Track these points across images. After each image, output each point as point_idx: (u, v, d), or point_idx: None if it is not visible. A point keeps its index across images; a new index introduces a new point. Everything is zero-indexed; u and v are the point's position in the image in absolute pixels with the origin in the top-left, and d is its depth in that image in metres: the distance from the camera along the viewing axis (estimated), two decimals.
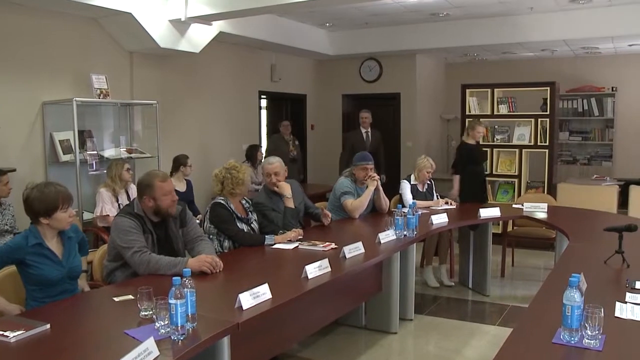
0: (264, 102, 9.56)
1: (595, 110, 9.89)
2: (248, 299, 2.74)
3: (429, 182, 6.09)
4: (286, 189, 4.68)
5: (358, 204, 5.24)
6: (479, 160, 6.91)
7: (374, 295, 4.54)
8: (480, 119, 7.27)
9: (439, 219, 5.12)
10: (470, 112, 8.09)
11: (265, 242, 4.16)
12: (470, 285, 5.94)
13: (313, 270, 3.31)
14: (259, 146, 8.20)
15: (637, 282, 3.01)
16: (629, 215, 6.58)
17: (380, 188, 5.43)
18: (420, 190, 6.00)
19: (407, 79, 9.75)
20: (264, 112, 9.62)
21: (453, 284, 6.00)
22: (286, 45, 8.56)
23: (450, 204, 6.00)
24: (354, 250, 3.85)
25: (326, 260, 3.46)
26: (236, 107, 8.41)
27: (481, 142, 7.13)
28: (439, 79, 10.87)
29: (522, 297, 5.66)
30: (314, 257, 3.54)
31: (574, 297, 2.24)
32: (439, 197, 6.14)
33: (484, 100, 8.08)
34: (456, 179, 6.76)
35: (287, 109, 10.10)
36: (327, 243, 4.09)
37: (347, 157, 7.18)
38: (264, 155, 8.02)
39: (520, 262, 6.89)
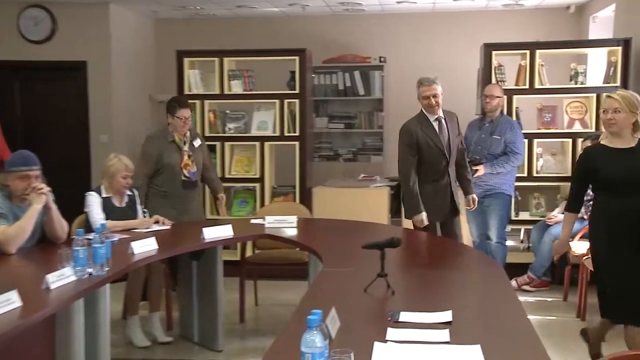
0: None
1: (361, 88, 10.59)
2: None
3: (129, 193, 6.04)
4: None
5: (15, 232, 4.95)
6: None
7: None
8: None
9: (145, 246, 5.06)
10: (190, 90, 8.19)
11: None
12: (196, 339, 6.02)
13: None
14: None
15: (402, 314, 3.24)
16: (402, 225, 7.14)
17: (53, 206, 5.21)
18: (118, 205, 5.93)
19: (97, 41, 9.64)
20: None
21: (172, 339, 6.05)
22: None
23: (163, 223, 6.01)
24: (3, 304, 3.61)
25: None
26: None
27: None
28: (147, 43, 10.92)
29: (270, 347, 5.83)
30: None
31: (314, 342, 2.37)
32: (146, 214, 6.13)
33: (210, 74, 8.25)
34: (568, 218, 5.18)
35: None
36: None
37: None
38: None
39: (266, 299, 7.13)
